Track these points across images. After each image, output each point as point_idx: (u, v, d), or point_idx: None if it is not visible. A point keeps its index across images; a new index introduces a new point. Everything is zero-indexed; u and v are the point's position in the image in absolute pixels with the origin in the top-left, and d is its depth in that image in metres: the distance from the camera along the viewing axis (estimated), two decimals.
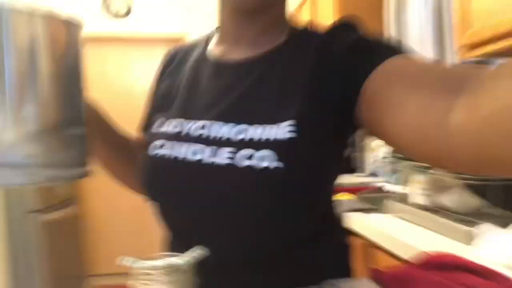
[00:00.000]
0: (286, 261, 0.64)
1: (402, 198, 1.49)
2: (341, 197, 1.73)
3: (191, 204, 0.63)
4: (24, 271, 2.39)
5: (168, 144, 0.65)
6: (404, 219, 1.43)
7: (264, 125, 0.60)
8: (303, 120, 0.59)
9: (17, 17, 0.44)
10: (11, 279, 2.37)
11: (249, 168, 0.57)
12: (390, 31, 1.95)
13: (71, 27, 0.49)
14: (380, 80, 0.53)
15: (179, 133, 0.65)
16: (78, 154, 0.51)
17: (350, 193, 1.77)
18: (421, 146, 0.47)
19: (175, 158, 0.63)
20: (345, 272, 0.70)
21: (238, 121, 0.61)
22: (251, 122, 0.61)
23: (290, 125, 0.58)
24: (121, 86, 3.68)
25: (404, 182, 1.56)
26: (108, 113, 0.77)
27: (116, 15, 3.50)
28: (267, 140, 0.58)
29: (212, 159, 0.60)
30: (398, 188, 1.73)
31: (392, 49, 0.56)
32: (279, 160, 0.56)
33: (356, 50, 0.58)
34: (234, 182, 0.58)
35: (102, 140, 0.76)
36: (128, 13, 3.53)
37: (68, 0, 3.16)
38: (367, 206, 1.63)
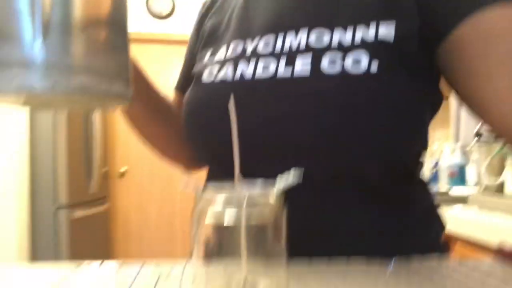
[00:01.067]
0: (376, 195, 0.56)
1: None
2: None
3: (263, 127, 0.54)
4: None
5: (229, 67, 0.58)
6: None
7: (353, 25, 0.53)
8: (400, 22, 0.52)
9: None
10: None
11: (340, 74, 0.50)
12: None
13: None
14: (471, 37, 0.48)
15: (241, 53, 0.59)
16: (121, 67, 0.43)
17: None
18: (504, 122, 0.48)
19: (241, 79, 0.56)
20: (436, 241, 0.63)
21: (318, 24, 0.55)
22: (333, 24, 0.54)
23: (392, 25, 0.52)
24: (163, 86, 3.61)
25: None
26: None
27: (159, 16, 3.49)
28: (358, 41, 0.52)
29: (288, 71, 0.53)
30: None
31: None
32: (373, 61, 0.50)
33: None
34: (322, 92, 0.51)
35: (141, 98, 0.68)
36: (171, 14, 3.53)
37: None
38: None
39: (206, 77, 0.61)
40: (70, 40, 0.39)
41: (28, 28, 0.38)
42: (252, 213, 0.37)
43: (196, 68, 0.66)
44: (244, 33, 0.61)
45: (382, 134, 0.53)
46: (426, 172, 2.20)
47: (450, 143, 2.07)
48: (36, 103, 0.46)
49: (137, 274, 0.49)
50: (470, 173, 1.77)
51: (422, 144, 0.61)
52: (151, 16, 3.50)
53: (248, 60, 0.57)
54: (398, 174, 0.59)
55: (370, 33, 0.52)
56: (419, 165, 0.64)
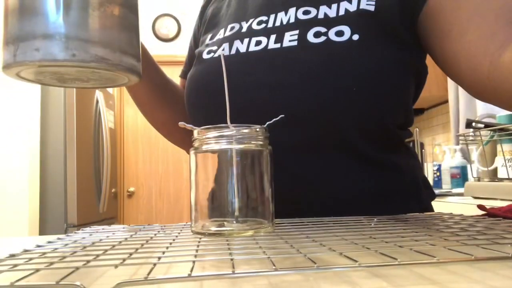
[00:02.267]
0: (365, 157, 0.60)
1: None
2: None
3: (254, 93, 0.59)
4: None
5: (225, 45, 0.64)
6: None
7: (333, 4, 0.60)
8: None
9: None
10: None
11: (324, 43, 0.57)
12: None
13: None
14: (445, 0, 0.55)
15: (237, 33, 0.65)
16: (132, 43, 0.48)
17: None
18: (471, 76, 0.52)
19: (237, 53, 0.63)
20: (420, 202, 0.66)
21: (304, 3, 0.62)
22: (319, 3, 0.61)
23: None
24: None
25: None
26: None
27: (166, 39, 3.60)
28: (342, 14, 0.59)
29: (277, 44, 0.60)
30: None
31: None
32: (354, 33, 0.57)
33: None
34: (308, 59, 0.57)
35: (149, 79, 0.74)
36: (177, 36, 3.66)
37: None
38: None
39: (205, 54, 0.67)
40: (88, 16, 0.45)
41: (52, 4, 0.43)
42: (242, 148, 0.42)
43: (197, 50, 0.73)
44: (240, 17, 0.68)
45: (365, 98, 0.57)
46: (429, 175, 2.21)
47: (451, 146, 2.10)
48: (51, 78, 0.51)
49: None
50: (471, 173, 1.79)
51: (407, 115, 0.65)
52: (157, 39, 3.61)
53: (242, 38, 0.64)
54: (384, 143, 0.62)
55: (352, 6, 0.59)
56: (405, 136, 0.67)
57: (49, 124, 2.51)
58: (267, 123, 0.45)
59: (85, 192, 2.64)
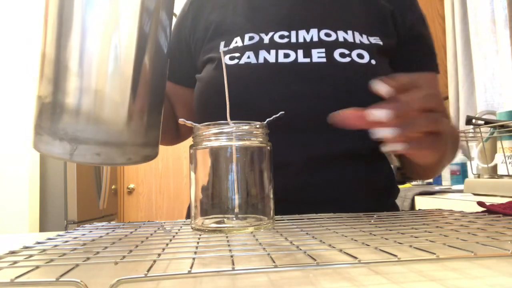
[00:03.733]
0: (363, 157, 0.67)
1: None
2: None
3: (287, 102, 0.64)
4: None
5: (250, 53, 0.67)
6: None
7: (351, 31, 0.70)
8: (385, 38, 0.72)
9: None
10: None
11: (350, 63, 0.66)
12: None
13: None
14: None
15: (259, 43, 0.69)
16: (157, 134, 0.53)
17: None
18: None
19: (266, 62, 0.66)
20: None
21: (324, 27, 0.69)
22: (336, 28, 0.69)
23: (378, 39, 0.71)
24: None
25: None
26: None
27: None
28: (360, 43, 0.69)
29: (307, 59, 0.66)
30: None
31: (435, 65, 0.78)
32: (372, 58, 0.67)
33: (422, 43, 0.77)
34: (336, 76, 0.65)
35: None
36: None
37: None
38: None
39: (228, 60, 0.68)
40: (144, 122, 0.49)
41: (116, 113, 0.46)
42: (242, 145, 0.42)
43: (210, 55, 0.73)
44: (258, 28, 0.71)
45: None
46: None
47: None
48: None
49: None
50: (471, 169, 1.79)
51: None
52: None
53: (268, 49, 0.67)
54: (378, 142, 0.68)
55: (364, 39, 0.70)
56: None
57: None
58: (267, 120, 0.45)
59: (85, 189, 2.64)
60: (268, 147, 0.44)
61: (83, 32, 0.45)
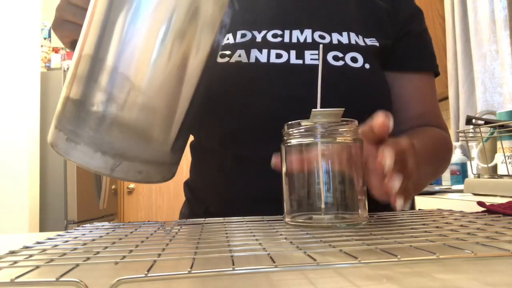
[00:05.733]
0: None
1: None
2: None
3: (279, 105, 0.62)
4: None
5: (241, 52, 0.66)
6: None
7: (347, 32, 0.68)
8: (382, 38, 0.70)
9: None
10: None
11: (343, 67, 0.64)
12: None
13: None
14: (408, 82, 0.74)
15: (251, 40, 0.67)
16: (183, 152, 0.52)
17: None
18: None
19: (257, 62, 0.64)
20: None
21: (318, 28, 0.67)
22: (331, 30, 0.68)
23: (374, 40, 0.70)
24: None
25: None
26: None
27: None
28: (355, 44, 0.67)
29: (299, 60, 0.64)
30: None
31: (432, 64, 0.76)
32: (366, 62, 0.66)
33: (417, 39, 0.75)
34: (329, 79, 0.59)
35: None
36: None
37: None
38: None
39: (218, 58, 0.67)
40: (182, 144, 0.50)
41: (164, 132, 0.45)
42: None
43: None
44: (250, 25, 0.69)
45: (372, 112, 0.60)
46: None
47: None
48: None
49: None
50: (471, 169, 1.79)
51: None
52: None
53: (260, 48, 0.66)
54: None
55: (359, 40, 0.68)
56: None
57: (49, 121, 2.51)
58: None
59: (85, 189, 2.64)
60: (359, 143, 0.44)
61: (151, 49, 0.42)
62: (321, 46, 0.49)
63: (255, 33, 0.68)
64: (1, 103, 2.36)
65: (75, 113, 0.43)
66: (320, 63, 0.49)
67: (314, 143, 0.43)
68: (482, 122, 1.22)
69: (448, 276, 0.28)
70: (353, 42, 0.67)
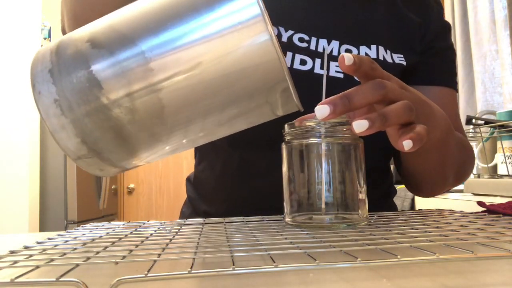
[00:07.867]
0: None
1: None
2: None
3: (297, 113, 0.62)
4: None
5: None
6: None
7: (375, 46, 0.67)
8: (410, 55, 0.70)
9: None
10: None
11: None
12: None
13: None
14: (427, 93, 0.69)
15: (277, 37, 0.63)
16: None
17: None
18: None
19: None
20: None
21: (346, 40, 0.66)
22: (359, 43, 0.66)
23: (402, 57, 0.68)
24: None
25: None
26: None
27: None
28: (383, 61, 0.66)
29: (322, 71, 0.62)
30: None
31: (453, 81, 0.75)
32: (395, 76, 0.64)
33: (443, 56, 0.74)
34: None
35: None
36: None
37: None
38: None
39: None
40: (150, 161, 0.46)
41: (146, 155, 0.42)
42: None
43: None
44: (278, 19, 0.65)
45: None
46: None
47: None
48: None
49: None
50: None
51: None
52: None
53: (285, 50, 0.64)
54: (386, 156, 0.73)
55: (388, 56, 0.67)
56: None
57: None
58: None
59: (85, 189, 2.64)
60: (360, 143, 0.44)
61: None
62: (325, 50, 0.48)
63: (282, 29, 0.65)
64: (1, 103, 2.36)
65: (85, 89, 0.36)
66: (324, 66, 0.50)
67: (315, 143, 0.43)
68: (482, 122, 1.22)
69: (448, 276, 0.28)
70: (380, 57, 0.66)
